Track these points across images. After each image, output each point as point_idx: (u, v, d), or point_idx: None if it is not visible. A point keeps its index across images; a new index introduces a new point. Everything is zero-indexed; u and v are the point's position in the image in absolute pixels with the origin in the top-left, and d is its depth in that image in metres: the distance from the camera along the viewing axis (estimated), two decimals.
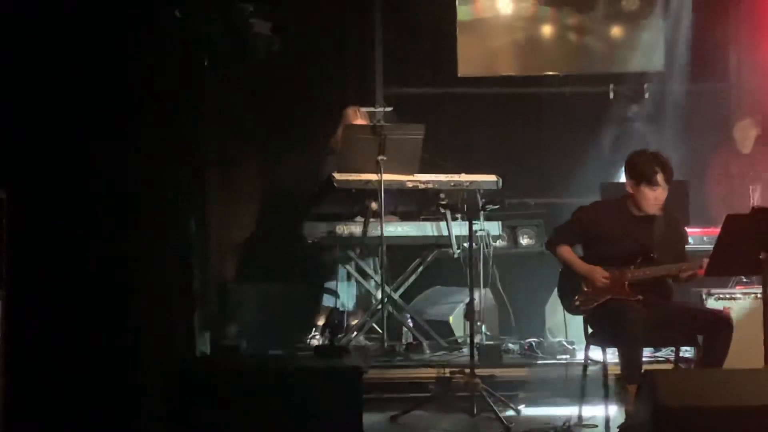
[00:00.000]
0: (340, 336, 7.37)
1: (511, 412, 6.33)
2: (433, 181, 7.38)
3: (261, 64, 7.67)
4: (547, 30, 9.08)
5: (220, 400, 5.14)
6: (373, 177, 7.20)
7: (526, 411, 6.48)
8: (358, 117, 7.75)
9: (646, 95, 8.81)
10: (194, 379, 5.24)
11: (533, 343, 7.36)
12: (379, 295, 7.40)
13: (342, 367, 5.46)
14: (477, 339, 7.02)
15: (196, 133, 6.37)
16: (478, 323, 7.26)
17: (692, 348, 6.10)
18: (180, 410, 5.13)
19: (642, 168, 6.00)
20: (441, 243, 7.45)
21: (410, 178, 7.36)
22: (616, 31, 9.06)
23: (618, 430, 5.70)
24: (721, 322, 5.81)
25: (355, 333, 7.52)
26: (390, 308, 7.35)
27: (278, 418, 5.07)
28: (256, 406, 5.11)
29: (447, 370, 6.73)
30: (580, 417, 6.05)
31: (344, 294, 7.67)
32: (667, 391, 5.15)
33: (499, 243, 7.67)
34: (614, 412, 5.89)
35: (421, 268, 7.61)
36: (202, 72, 5.96)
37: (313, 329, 7.63)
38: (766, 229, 5.49)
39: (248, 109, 8.41)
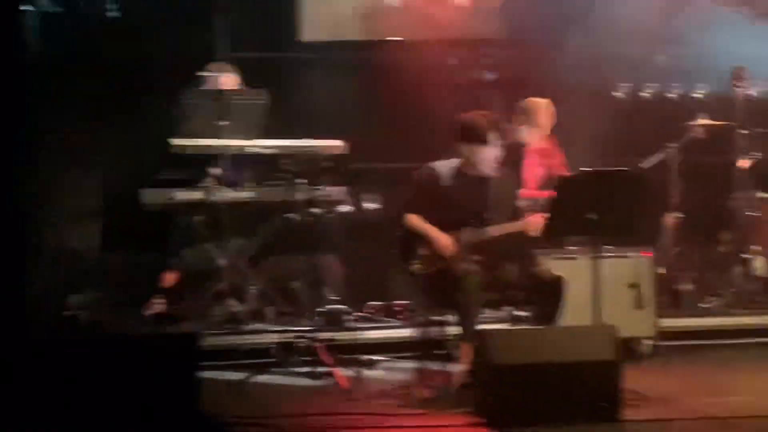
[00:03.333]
0: (182, 303, 7.29)
1: (353, 375, 6.38)
2: (275, 146, 7.34)
3: (99, 28, 7.48)
4: None
5: (53, 371, 5.02)
6: (212, 142, 7.12)
7: (368, 373, 6.55)
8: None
9: (487, 61, 8.92)
10: (26, 350, 5.11)
11: (375, 307, 7.45)
12: (222, 261, 7.34)
13: (178, 334, 5.41)
14: (320, 304, 7.06)
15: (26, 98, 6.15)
16: (322, 288, 7.29)
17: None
18: (11, 383, 5.00)
19: (473, 128, 6.08)
20: (284, 208, 7.42)
21: (252, 143, 7.30)
22: None
23: (456, 388, 5.82)
24: (554, 285, 5.97)
25: (198, 300, 7.44)
26: (233, 274, 7.30)
27: (112, 388, 4.97)
28: (89, 377, 5.01)
29: (290, 335, 6.74)
30: (420, 378, 6.16)
31: (187, 260, 7.58)
32: (501, 350, 5.32)
33: (343, 208, 7.69)
34: (453, 371, 6.01)
35: (264, 234, 7.57)
36: (27, 30, 5.72)
37: (154, 297, 7.52)
38: (594, 190, 5.67)
39: (88, 75, 8.18)
